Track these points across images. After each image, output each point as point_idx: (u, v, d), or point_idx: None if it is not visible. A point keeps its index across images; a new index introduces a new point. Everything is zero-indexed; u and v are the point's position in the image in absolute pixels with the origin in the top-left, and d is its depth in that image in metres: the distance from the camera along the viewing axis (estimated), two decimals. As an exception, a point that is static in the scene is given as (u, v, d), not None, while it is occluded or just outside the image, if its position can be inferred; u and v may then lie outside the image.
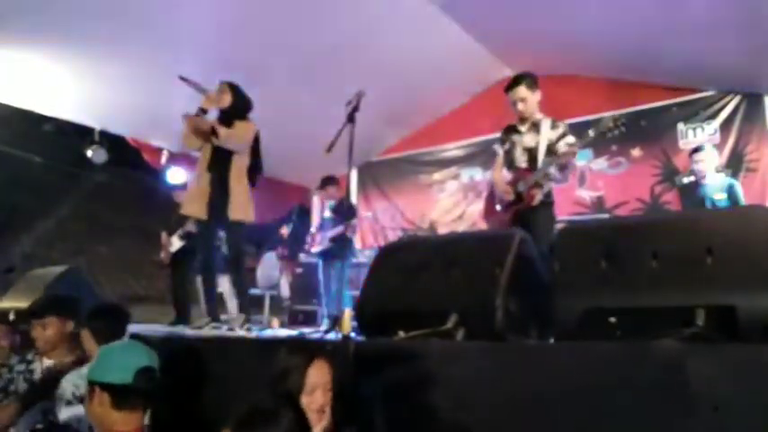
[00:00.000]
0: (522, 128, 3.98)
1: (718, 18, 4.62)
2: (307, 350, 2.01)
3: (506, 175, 4.04)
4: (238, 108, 4.20)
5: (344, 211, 5.92)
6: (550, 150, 3.83)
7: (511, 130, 4.08)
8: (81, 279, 4.25)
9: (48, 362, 2.93)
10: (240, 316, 4.06)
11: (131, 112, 6.32)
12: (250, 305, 4.36)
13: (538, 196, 3.79)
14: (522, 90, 3.88)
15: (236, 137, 4.07)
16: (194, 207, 4.13)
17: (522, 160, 3.95)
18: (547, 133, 3.86)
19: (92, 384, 1.99)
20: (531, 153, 3.90)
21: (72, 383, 2.59)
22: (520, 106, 3.90)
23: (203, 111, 4.11)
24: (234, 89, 4.21)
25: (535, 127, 3.92)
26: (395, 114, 7.34)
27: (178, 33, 5.31)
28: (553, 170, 3.78)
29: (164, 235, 5.92)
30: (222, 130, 4.01)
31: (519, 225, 3.71)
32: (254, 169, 4.26)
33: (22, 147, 6.16)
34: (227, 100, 4.17)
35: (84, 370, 2.87)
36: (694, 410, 1.56)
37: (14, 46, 5.19)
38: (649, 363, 1.68)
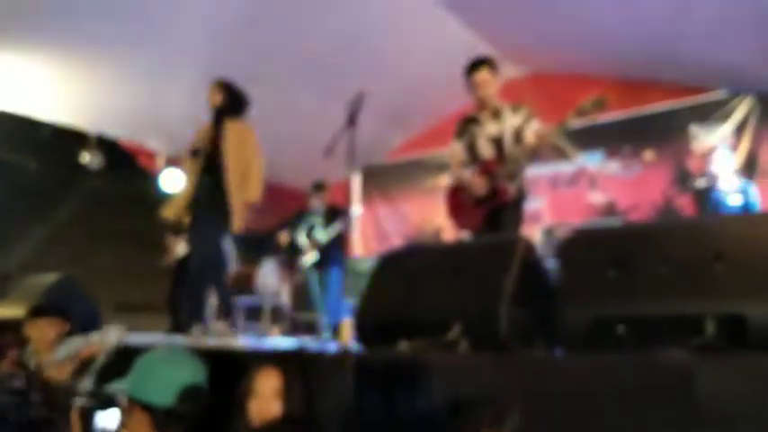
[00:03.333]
0: (482, 117, 3.74)
1: (731, 17, 4.56)
2: (257, 358, 2.00)
3: (470, 170, 3.77)
4: (230, 106, 4.15)
5: (331, 217, 5.87)
6: (518, 137, 3.60)
7: (468, 121, 3.82)
8: (74, 287, 4.22)
9: None
10: (222, 323, 3.97)
11: (126, 115, 6.27)
12: (251, 315, 4.29)
13: (511, 190, 3.58)
14: (484, 73, 3.65)
15: (235, 157, 4.02)
16: (174, 210, 4.12)
17: (487, 151, 3.70)
18: (510, 119, 3.64)
19: (131, 400, 1.80)
20: (497, 142, 3.65)
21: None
22: (482, 91, 3.67)
23: (197, 149, 4.11)
24: (226, 88, 4.16)
25: (496, 114, 3.69)
26: (398, 116, 7.28)
27: (174, 35, 5.27)
28: (524, 159, 3.57)
29: (170, 237, 5.81)
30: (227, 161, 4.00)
31: (490, 223, 3.58)
32: None
33: (16, 152, 6.13)
34: (218, 99, 4.14)
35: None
36: (704, 422, 1.54)
37: (7, 51, 5.14)
38: (658, 373, 1.66)
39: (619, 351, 1.84)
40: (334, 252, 5.88)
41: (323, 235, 5.85)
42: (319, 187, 6.13)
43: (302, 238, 6.09)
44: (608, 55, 5.98)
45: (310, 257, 5.97)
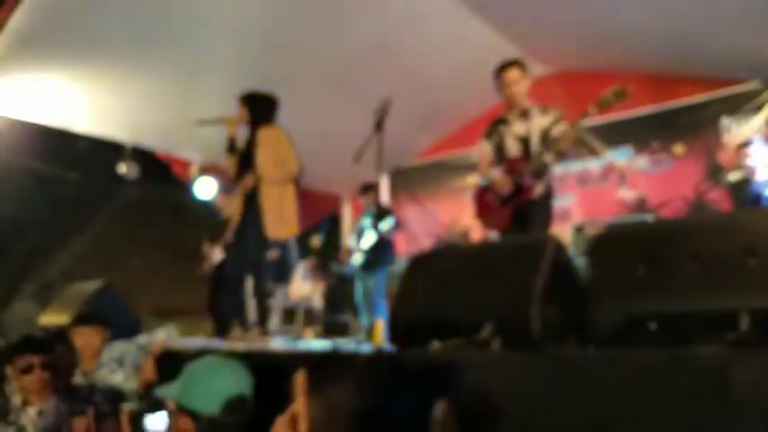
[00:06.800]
0: (511, 117, 3.80)
1: (759, 6, 4.47)
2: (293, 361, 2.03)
3: (498, 169, 3.80)
4: (259, 116, 4.17)
5: (380, 218, 5.87)
6: (545, 137, 3.62)
7: (498, 122, 3.88)
8: (115, 294, 4.33)
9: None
10: (255, 328, 4.02)
11: (160, 126, 6.40)
12: (285, 317, 4.33)
13: (537, 188, 3.60)
14: (514, 73, 3.71)
15: (270, 163, 4.04)
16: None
17: (514, 150, 3.74)
18: (538, 120, 3.68)
19: (178, 407, 1.84)
20: (524, 142, 3.70)
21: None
22: (511, 89, 3.72)
23: (232, 141, 4.17)
24: (248, 101, 4.19)
25: (525, 115, 3.74)
26: (426, 118, 7.27)
27: (203, 45, 5.37)
28: (550, 158, 3.59)
29: (206, 245, 5.92)
30: (260, 171, 4.02)
31: (517, 221, 3.59)
32: None
33: (56, 165, 6.32)
34: (245, 115, 4.17)
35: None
36: (740, 418, 1.52)
37: (45, 66, 5.28)
38: (692, 370, 1.63)
39: (651, 348, 1.83)
40: (381, 253, 5.88)
41: (372, 236, 5.85)
42: (367, 189, 6.15)
43: (353, 240, 6.12)
44: (634, 50, 5.89)
45: (357, 259, 6.01)
